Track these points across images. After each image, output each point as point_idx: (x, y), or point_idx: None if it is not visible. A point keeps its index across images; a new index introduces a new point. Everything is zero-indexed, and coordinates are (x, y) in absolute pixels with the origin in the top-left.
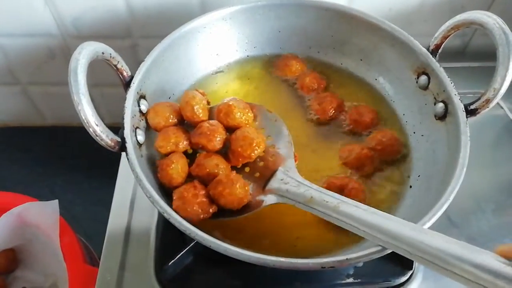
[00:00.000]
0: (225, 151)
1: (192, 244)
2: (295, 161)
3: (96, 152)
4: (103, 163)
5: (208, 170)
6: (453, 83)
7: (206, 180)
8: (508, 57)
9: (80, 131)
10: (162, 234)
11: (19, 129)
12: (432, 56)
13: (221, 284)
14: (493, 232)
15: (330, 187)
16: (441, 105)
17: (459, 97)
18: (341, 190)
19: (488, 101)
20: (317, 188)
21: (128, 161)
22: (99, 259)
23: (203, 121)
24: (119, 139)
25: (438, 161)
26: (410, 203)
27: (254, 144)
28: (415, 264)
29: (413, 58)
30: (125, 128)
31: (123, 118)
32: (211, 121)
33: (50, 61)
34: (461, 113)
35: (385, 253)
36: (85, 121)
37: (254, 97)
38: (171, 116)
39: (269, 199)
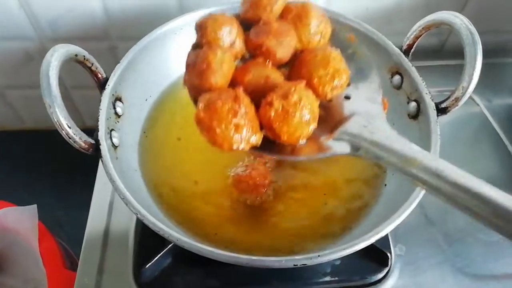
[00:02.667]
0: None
1: (170, 246)
2: (384, 108)
3: (77, 156)
4: (84, 167)
5: (264, 82)
6: (424, 82)
7: (254, 97)
8: (474, 56)
9: (59, 135)
10: (141, 236)
11: None
12: (405, 56)
13: (200, 284)
14: (469, 226)
15: None
16: (413, 104)
17: (430, 96)
18: None
19: (457, 99)
20: (422, 150)
21: (102, 163)
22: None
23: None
24: (93, 142)
25: None
26: (385, 200)
27: (337, 78)
28: (391, 261)
29: (386, 58)
30: (99, 130)
31: (97, 120)
32: (281, 21)
33: (28, 64)
34: (432, 112)
35: (357, 249)
36: (58, 123)
37: None
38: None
39: (340, 147)
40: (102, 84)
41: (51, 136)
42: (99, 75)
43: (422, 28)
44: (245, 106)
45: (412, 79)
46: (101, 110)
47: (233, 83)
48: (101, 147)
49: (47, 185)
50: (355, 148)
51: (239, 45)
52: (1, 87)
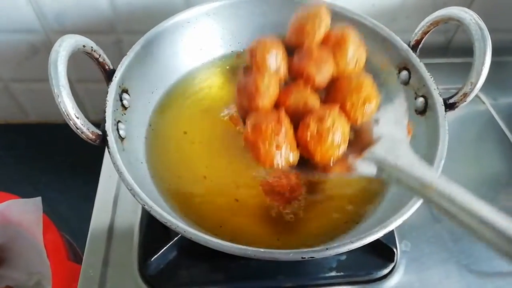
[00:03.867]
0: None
1: (175, 239)
2: (409, 133)
3: (81, 149)
4: (87, 161)
5: (303, 105)
6: (432, 78)
7: (294, 118)
8: (483, 51)
9: (64, 128)
10: (146, 229)
11: (1, 126)
12: (413, 52)
13: (205, 278)
14: None
15: None
16: (421, 99)
17: (438, 92)
18: None
19: (465, 95)
20: (439, 176)
21: (109, 154)
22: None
23: (311, 46)
24: (100, 133)
25: (418, 155)
26: (391, 196)
27: (368, 104)
28: (397, 257)
29: (394, 53)
30: (106, 121)
31: (104, 112)
32: (324, 48)
33: (33, 57)
34: (440, 107)
35: (364, 243)
36: (65, 113)
37: None
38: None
39: (366, 168)
40: (109, 76)
41: (55, 130)
42: (106, 67)
43: (431, 23)
44: (286, 127)
45: (420, 74)
46: (108, 101)
47: (276, 104)
48: (108, 138)
49: (51, 178)
50: (380, 170)
51: (284, 69)
52: (5, 80)
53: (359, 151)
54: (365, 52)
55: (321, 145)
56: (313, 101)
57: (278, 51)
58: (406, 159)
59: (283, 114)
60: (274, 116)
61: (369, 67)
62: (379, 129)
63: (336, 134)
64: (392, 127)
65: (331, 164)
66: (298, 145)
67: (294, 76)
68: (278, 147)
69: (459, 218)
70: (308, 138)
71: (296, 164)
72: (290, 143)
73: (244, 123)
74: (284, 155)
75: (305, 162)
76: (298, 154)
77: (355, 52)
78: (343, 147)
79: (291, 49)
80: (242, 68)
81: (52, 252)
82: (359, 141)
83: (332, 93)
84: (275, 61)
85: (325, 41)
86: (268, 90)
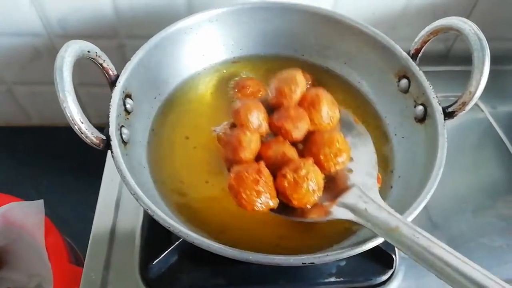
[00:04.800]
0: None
1: (177, 243)
2: (378, 183)
3: (82, 152)
4: (89, 164)
5: (281, 157)
6: (432, 87)
7: (273, 168)
8: (482, 61)
9: (66, 131)
10: (147, 233)
11: (4, 129)
12: (413, 60)
13: (206, 282)
14: (473, 231)
15: None
16: (420, 107)
17: (437, 100)
18: None
19: (464, 104)
20: (403, 219)
21: (113, 159)
22: (85, 260)
23: (290, 106)
24: (104, 137)
25: (417, 162)
26: (390, 204)
27: (339, 156)
28: (396, 263)
29: (394, 62)
30: (110, 126)
31: (108, 116)
32: (299, 107)
33: (36, 61)
34: (439, 116)
35: (365, 249)
36: (70, 118)
37: None
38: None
39: (340, 213)
40: (113, 81)
41: (57, 133)
42: (110, 72)
43: (430, 33)
44: (265, 177)
45: (420, 83)
46: (111, 106)
47: (258, 157)
48: (111, 142)
49: (53, 181)
50: (353, 215)
51: (265, 126)
52: (8, 82)
53: (334, 197)
54: (338, 110)
55: (297, 192)
56: (290, 153)
57: (259, 112)
58: (375, 205)
59: (262, 164)
60: (254, 167)
61: (344, 123)
62: (352, 177)
63: (310, 182)
64: (363, 176)
65: (308, 209)
66: (277, 192)
67: (274, 132)
68: (258, 193)
69: (421, 257)
70: (286, 185)
71: (276, 208)
72: (269, 190)
73: (229, 171)
74: (264, 201)
75: (285, 207)
76: (277, 200)
77: (329, 110)
78: (318, 194)
79: (272, 108)
80: (228, 124)
81: (53, 255)
82: (335, 188)
83: (308, 147)
84: (256, 119)
85: (302, 100)
86: (249, 145)
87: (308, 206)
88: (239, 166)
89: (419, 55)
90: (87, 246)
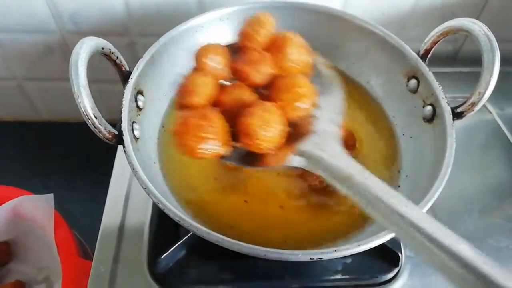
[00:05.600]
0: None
1: (185, 238)
2: (343, 132)
3: (91, 148)
4: (98, 160)
5: (239, 101)
6: (441, 87)
7: (232, 114)
8: (492, 62)
9: (75, 127)
10: (156, 228)
11: (14, 124)
12: (422, 61)
13: (213, 277)
14: (478, 232)
15: None
16: (429, 108)
17: (446, 101)
18: None
19: (473, 104)
20: (361, 168)
21: (125, 154)
22: (93, 254)
23: (254, 49)
24: (116, 132)
25: (425, 162)
26: None
27: (300, 102)
28: (402, 261)
29: (404, 62)
30: (122, 122)
31: (120, 112)
32: (262, 51)
33: (47, 57)
34: (448, 116)
35: (370, 247)
36: (85, 113)
37: None
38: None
39: (295, 160)
40: (125, 77)
41: (67, 128)
42: (123, 69)
43: (440, 34)
44: (214, 122)
45: (429, 83)
46: (124, 102)
47: (216, 103)
48: (124, 137)
49: (62, 176)
50: (308, 163)
51: (226, 71)
52: (19, 78)
53: (295, 144)
54: (307, 54)
55: (255, 138)
56: (249, 97)
57: (217, 55)
58: (331, 152)
59: (210, 109)
60: (201, 112)
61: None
62: (315, 124)
63: (269, 127)
64: (326, 123)
65: (266, 156)
66: (235, 138)
67: (235, 77)
68: (201, 139)
69: (376, 207)
70: (244, 131)
71: (228, 156)
72: (219, 136)
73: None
74: (210, 147)
75: (244, 157)
76: (230, 148)
77: (296, 53)
78: (278, 140)
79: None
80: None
81: (63, 248)
82: (297, 135)
83: (270, 91)
84: (213, 62)
85: (270, 44)
86: (202, 89)
87: (266, 152)
88: (187, 111)
89: (429, 55)
90: (95, 241)
